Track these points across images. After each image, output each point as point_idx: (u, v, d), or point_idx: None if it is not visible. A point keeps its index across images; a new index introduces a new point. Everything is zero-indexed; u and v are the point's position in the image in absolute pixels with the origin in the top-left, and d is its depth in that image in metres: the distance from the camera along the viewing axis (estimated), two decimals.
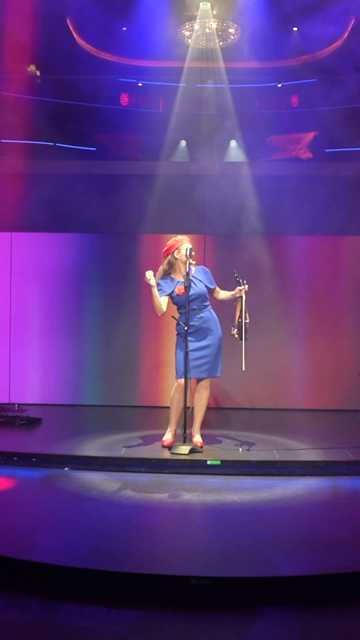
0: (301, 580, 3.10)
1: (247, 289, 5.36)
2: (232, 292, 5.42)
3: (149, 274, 5.24)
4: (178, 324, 5.38)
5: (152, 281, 5.24)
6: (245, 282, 5.38)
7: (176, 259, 5.41)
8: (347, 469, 5.05)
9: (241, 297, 5.36)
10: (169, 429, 5.49)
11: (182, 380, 5.31)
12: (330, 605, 3.00)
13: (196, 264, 5.50)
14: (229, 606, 2.99)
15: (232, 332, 5.44)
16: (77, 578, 3.13)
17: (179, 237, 5.48)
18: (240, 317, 5.37)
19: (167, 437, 5.44)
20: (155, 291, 5.28)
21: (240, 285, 5.36)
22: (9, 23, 8.15)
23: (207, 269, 5.53)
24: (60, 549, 3.44)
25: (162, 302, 5.35)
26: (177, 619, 2.88)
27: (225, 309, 5.70)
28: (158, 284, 5.38)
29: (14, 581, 3.18)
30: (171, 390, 5.45)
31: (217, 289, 5.51)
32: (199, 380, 5.42)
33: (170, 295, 5.39)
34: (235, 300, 5.45)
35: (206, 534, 3.83)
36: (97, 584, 3.10)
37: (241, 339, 5.38)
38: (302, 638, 2.76)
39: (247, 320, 5.38)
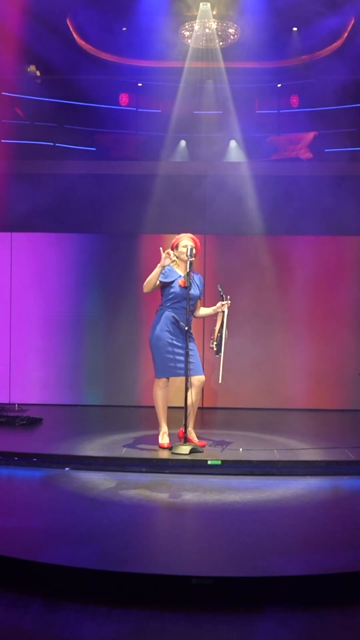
0: (302, 580, 3.10)
1: (229, 304, 5.37)
2: (214, 307, 5.43)
3: (168, 254, 5.29)
4: (167, 320, 5.37)
5: (167, 261, 5.30)
6: (228, 297, 5.39)
7: (177, 256, 5.44)
8: (348, 468, 5.05)
9: (223, 311, 5.37)
10: (161, 430, 5.49)
11: (164, 379, 5.38)
12: (331, 605, 3.01)
13: (195, 270, 5.51)
14: (230, 606, 2.99)
15: (210, 345, 5.44)
16: (78, 578, 3.14)
17: (182, 234, 5.51)
18: (220, 331, 5.37)
19: (164, 440, 5.44)
20: (159, 271, 5.32)
21: (224, 300, 5.37)
22: (9, 23, 8.15)
23: (202, 280, 5.57)
24: (61, 549, 3.44)
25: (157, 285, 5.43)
26: (178, 618, 2.88)
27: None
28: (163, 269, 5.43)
29: (15, 581, 3.18)
30: (171, 390, 5.46)
31: (199, 302, 5.52)
32: (190, 379, 5.42)
33: (170, 285, 5.39)
34: (216, 314, 5.46)
35: (207, 534, 3.83)
36: (98, 584, 3.10)
37: (218, 353, 5.39)
38: (303, 638, 2.76)
39: (226, 336, 5.39)
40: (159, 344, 5.39)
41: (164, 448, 5.37)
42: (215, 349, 5.40)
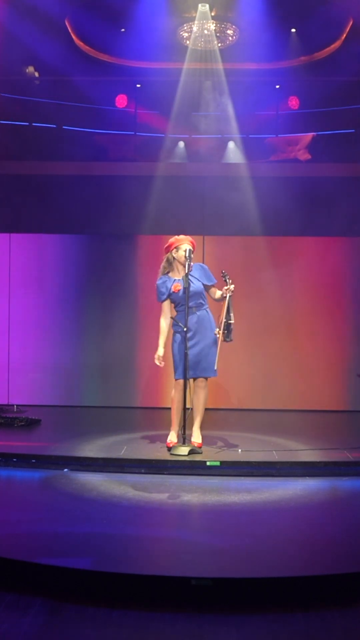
0: (302, 581, 3.10)
1: (232, 289, 5.31)
2: (220, 292, 5.39)
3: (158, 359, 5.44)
4: (176, 324, 5.38)
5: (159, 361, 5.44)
6: (231, 281, 5.34)
7: (174, 258, 5.42)
8: (347, 469, 5.06)
9: (226, 296, 5.32)
10: (172, 431, 5.48)
11: (182, 380, 5.31)
12: (330, 605, 3.01)
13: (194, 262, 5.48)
14: (230, 607, 2.99)
15: (215, 332, 5.36)
16: (78, 579, 3.13)
17: (181, 236, 5.47)
18: (226, 316, 5.30)
19: (172, 439, 5.43)
20: (161, 341, 5.44)
21: (227, 285, 5.33)
22: (8, 23, 8.15)
23: (205, 266, 5.53)
24: (60, 551, 3.44)
25: (165, 309, 5.44)
26: (178, 619, 2.88)
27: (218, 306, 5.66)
28: (157, 287, 5.43)
29: (15, 583, 3.18)
30: (171, 391, 5.45)
31: (214, 288, 5.50)
32: (195, 380, 5.42)
33: (168, 294, 5.40)
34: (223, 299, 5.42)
35: (206, 535, 3.83)
36: (98, 585, 3.10)
37: (225, 340, 5.33)
38: (303, 638, 2.76)
39: (232, 321, 5.32)
40: (175, 345, 5.39)
41: (169, 447, 5.35)
42: (219, 336, 5.33)
